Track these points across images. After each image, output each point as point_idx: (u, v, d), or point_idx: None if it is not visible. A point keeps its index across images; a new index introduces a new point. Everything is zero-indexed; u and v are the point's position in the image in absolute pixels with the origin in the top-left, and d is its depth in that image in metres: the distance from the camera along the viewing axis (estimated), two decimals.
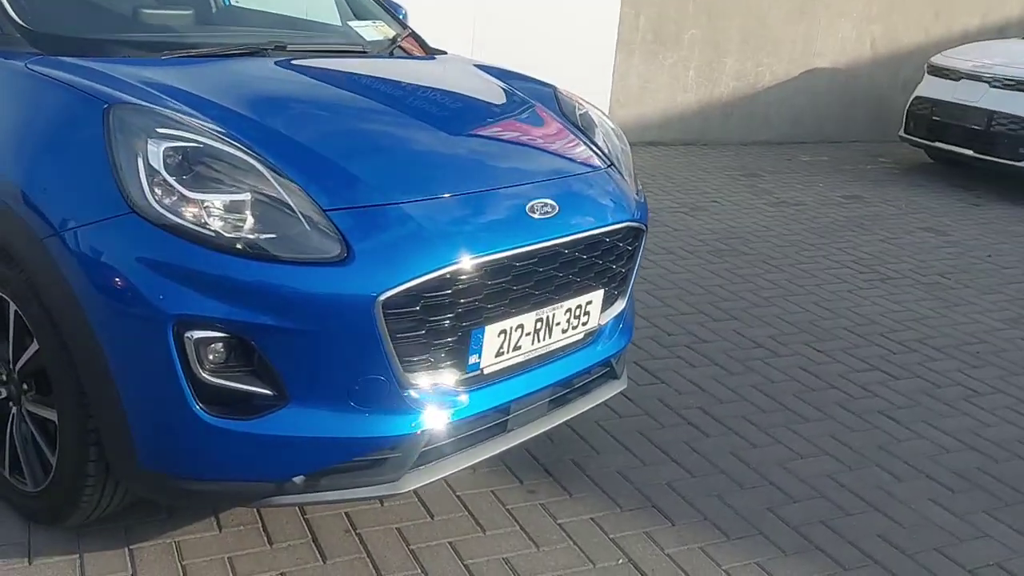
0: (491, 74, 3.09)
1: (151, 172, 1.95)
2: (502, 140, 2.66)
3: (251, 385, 1.98)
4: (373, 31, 3.22)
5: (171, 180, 1.95)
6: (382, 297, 1.97)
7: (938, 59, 7.87)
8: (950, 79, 7.53)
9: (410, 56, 3.17)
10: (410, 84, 2.92)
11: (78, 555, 2.26)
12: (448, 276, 2.06)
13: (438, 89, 2.94)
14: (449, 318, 2.10)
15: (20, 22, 2.43)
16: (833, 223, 6.03)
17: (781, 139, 8.86)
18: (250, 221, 1.96)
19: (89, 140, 2.02)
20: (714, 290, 4.49)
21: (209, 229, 1.93)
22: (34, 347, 2.14)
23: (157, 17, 2.93)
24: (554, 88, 3.09)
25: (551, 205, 2.32)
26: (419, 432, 2.11)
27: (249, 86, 2.50)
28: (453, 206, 2.20)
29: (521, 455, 2.74)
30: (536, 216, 2.28)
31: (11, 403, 2.31)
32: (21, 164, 2.12)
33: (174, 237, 1.91)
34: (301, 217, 1.99)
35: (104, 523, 2.32)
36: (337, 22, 3.40)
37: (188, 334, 1.91)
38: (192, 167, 1.98)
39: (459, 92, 2.93)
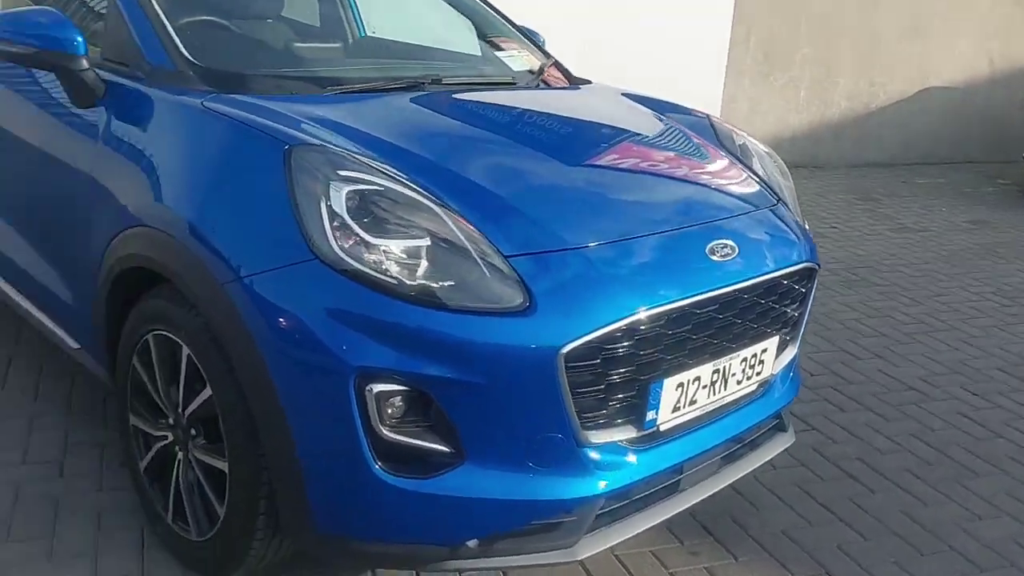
0: (645, 104, 2.98)
1: (333, 216, 1.89)
2: (672, 177, 2.54)
3: (429, 442, 1.89)
4: (519, 60, 3.15)
5: (353, 225, 1.89)
6: (565, 349, 1.87)
7: None
8: None
9: (560, 87, 3.08)
10: (572, 118, 2.82)
11: None
12: (630, 326, 1.95)
13: (599, 123, 2.84)
14: (628, 371, 1.99)
15: (191, 59, 2.42)
16: (963, 250, 5.75)
17: (893, 160, 8.55)
18: (430, 268, 1.88)
19: (270, 183, 1.97)
20: (851, 324, 4.29)
21: (391, 276, 1.85)
22: (206, 393, 2.10)
23: (310, 51, 2.91)
24: (708, 117, 2.96)
25: (731, 246, 2.20)
26: (596, 494, 2.00)
27: (416, 123, 2.44)
28: (634, 250, 2.09)
29: None
30: (717, 258, 2.16)
31: (177, 448, 2.28)
32: (200, 205, 2.09)
33: (356, 285, 1.84)
34: (483, 264, 1.90)
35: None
36: (478, 52, 3.34)
37: (369, 387, 1.83)
38: (373, 211, 1.92)
39: (620, 127, 2.83)
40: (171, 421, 2.29)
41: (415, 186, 2.00)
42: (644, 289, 2.00)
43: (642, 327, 1.97)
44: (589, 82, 3.17)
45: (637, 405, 2.03)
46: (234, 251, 1.97)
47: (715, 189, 2.51)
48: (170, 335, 2.19)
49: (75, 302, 2.62)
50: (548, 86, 3.05)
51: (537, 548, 2.00)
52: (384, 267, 1.86)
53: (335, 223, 1.88)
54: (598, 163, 2.47)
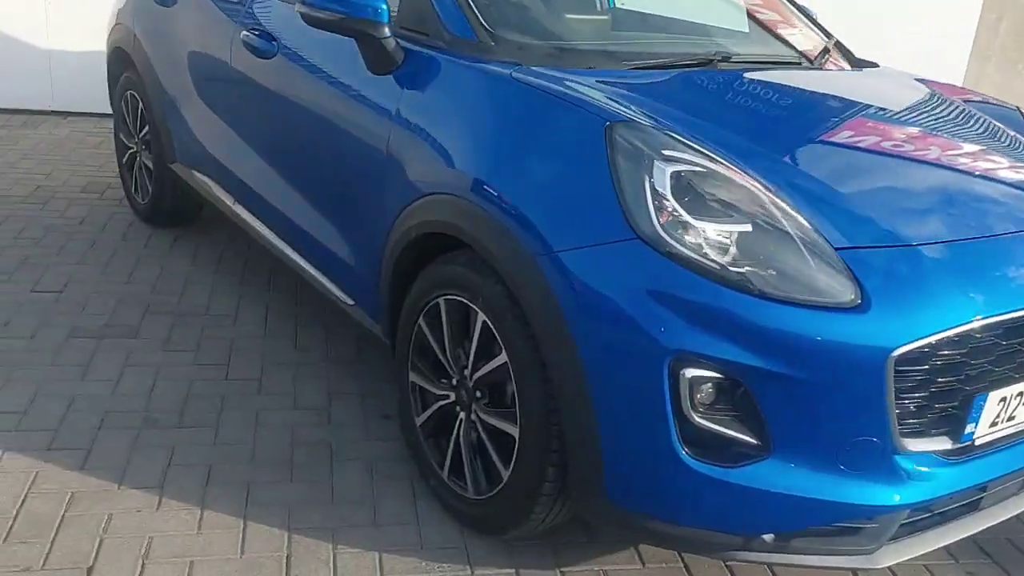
0: (945, 92, 2.80)
1: (657, 197, 1.87)
2: (997, 176, 2.36)
3: (737, 432, 1.85)
4: (799, 38, 3.02)
5: (678, 206, 1.86)
6: (896, 352, 1.78)
7: None
8: None
9: (851, 69, 2.94)
10: (877, 106, 2.69)
11: (513, 570, 2.26)
12: (965, 333, 1.83)
13: (908, 112, 2.69)
14: (955, 380, 1.88)
15: (491, 30, 2.45)
16: None
17: None
18: (754, 255, 1.84)
19: (588, 159, 1.97)
20: None
21: (713, 261, 1.82)
22: (500, 360, 2.14)
23: (589, 25, 2.89)
24: (1018, 109, 2.75)
25: None
26: (905, 504, 1.90)
27: (723, 103, 2.39)
28: (969, 252, 1.97)
29: None
30: None
31: (459, 408, 2.35)
32: (511, 177, 2.12)
33: (679, 267, 1.82)
34: (810, 255, 1.84)
35: (534, 539, 2.31)
36: (746, 28, 3.23)
37: (684, 371, 1.81)
38: (696, 193, 1.89)
39: (931, 117, 2.67)
40: (454, 382, 2.35)
41: (741, 169, 1.94)
42: (982, 295, 1.88)
43: (976, 335, 1.85)
44: (875, 64, 3.01)
45: (957, 416, 1.92)
46: (547, 224, 1.99)
47: None
48: (464, 300, 2.24)
49: (355, 261, 2.73)
50: (840, 69, 2.90)
51: (835, 550, 1.93)
52: (705, 251, 1.83)
53: (658, 203, 1.86)
54: (918, 157, 2.33)
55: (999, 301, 1.89)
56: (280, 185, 3.08)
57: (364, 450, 2.72)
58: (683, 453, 1.85)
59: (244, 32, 3.19)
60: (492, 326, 2.15)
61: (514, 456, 2.15)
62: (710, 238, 1.84)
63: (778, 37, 3.08)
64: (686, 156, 1.93)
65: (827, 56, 2.95)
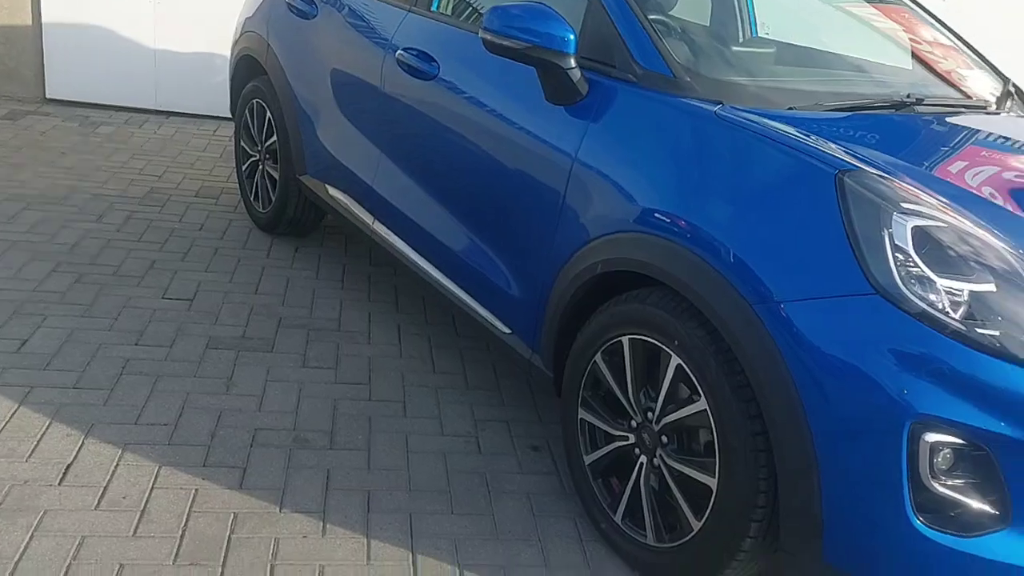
0: None
1: (898, 251, 1.80)
2: None
3: (974, 500, 1.77)
4: (976, 79, 2.93)
5: (920, 262, 1.79)
6: None
7: None
8: None
9: None
10: None
11: None
12: None
13: None
14: None
15: (684, 64, 2.40)
16: None
17: None
18: (998, 315, 1.76)
19: (817, 208, 1.91)
20: None
21: (955, 320, 1.75)
22: (697, 407, 2.08)
23: (767, 60, 2.83)
24: None
25: None
26: None
27: (937, 150, 2.31)
28: None
29: None
30: None
31: (638, 450, 2.29)
32: (724, 221, 2.06)
33: (921, 325, 1.75)
34: None
35: None
36: (910, 65, 3.14)
37: (924, 435, 1.74)
38: (938, 248, 1.81)
39: None
40: (634, 423, 2.30)
41: (981, 225, 1.87)
42: None
43: None
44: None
45: None
46: (768, 272, 1.93)
47: None
48: (655, 341, 2.19)
49: (517, 291, 2.69)
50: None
51: None
52: (947, 309, 1.76)
53: (898, 258, 1.79)
54: None
55: None
56: (432, 208, 3.05)
57: (520, 483, 2.68)
58: (916, 520, 1.77)
59: (400, 51, 3.17)
60: (689, 371, 2.10)
61: (709, 507, 2.08)
62: (954, 297, 1.77)
63: (947, 77, 2.98)
64: (925, 210, 1.87)
65: (1012, 99, 2.86)
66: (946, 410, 1.73)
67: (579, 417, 2.47)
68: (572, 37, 2.44)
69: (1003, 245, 1.84)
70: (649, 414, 2.25)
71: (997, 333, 1.74)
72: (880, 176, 1.95)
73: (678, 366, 2.13)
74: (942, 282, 1.78)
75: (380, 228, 3.39)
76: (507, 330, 2.79)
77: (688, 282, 2.07)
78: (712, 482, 2.07)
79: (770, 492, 1.98)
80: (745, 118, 2.19)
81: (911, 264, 1.79)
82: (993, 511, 1.76)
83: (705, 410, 2.07)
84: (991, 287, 1.78)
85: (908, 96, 2.57)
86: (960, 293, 1.77)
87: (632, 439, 2.31)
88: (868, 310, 1.79)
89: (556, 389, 2.63)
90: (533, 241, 2.60)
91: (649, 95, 2.36)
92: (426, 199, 3.09)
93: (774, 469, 1.96)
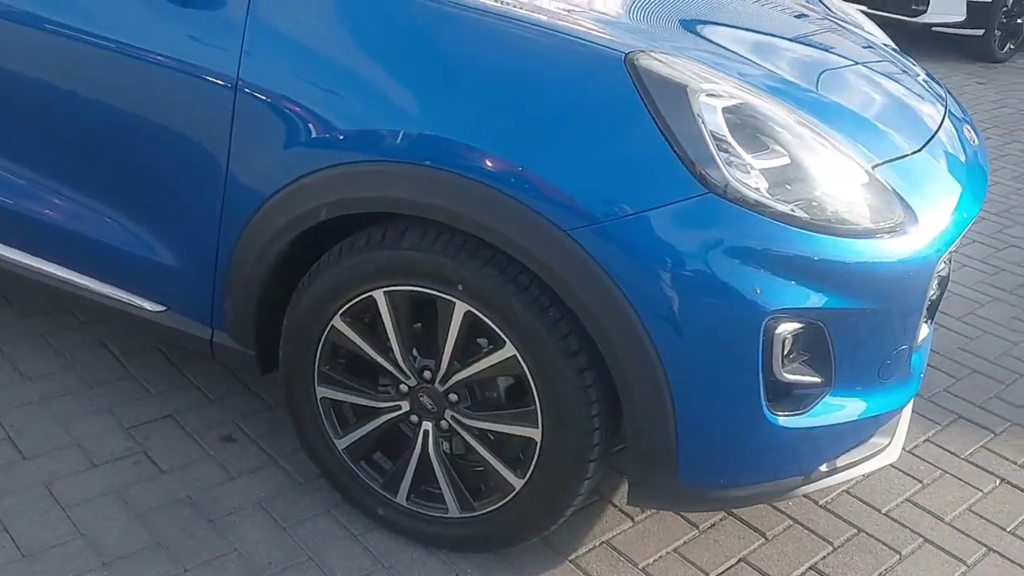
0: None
1: (717, 139, 1.61)
2: (892, 72, 2.37)
3: (807, 375, 1.75)
4: None
5: (738, 148, 1.63)
6: (944, 255, 1.84)
7: None
8: None
9: None
10: (772, 2, 2.57)
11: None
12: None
13: (848, 28, 2.59)
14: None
15: None
16: None
17: None
18: (810, 189, 1.69)
19: (616, 100, 1.63)
20: None
21: (783, 203, 1.64)
22: (503, 354, 1.76)
23: None
24: None
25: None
26: (914, 394, 2.01)
27: (706, 21, 2.13)
28: (941, 152, 2.01)
29: None
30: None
31: (417, 417, 1.91)
32: (507, 135, 1.66)
33: (760, 217, 1.61)
34: (865, 179, 1.75)
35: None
36: None
37: (778, 329, 1.65)
38: (747, 129, 1.66)
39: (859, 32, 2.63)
40: (405, 389, 1.90)
41: (770, 97, 1.75)
42: (976, 189, 1.97)
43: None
44: None
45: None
46: (585, 190, 1.61)
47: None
48: (425, 290, 1.78)
49: (174, 260, 2.03)
50: None
51: (865, 458, 1.97)
52: (773, 194, 1.64)
53: (720, 146, 1.61)
54: (848, 56, 2.29)
55: (979, 194, 2.01)
56: (13, 179, 2.14)
57: (240, 493, 2.12)
58: (769, 413, 1.71)
59: None
60: (485, 317, 1.75)
61: (535, 461, 1.82)
62: (772, 179, 1.65)
63: None
64: (725, 88, 1.68)
65: None
66: (795, 299, 1.65)
67: (319, 397, 1.98)
68: None
69: (796, 116, 1.75)
70: (427, 373, 1.86)
71: (813, 208, 1.67)
72: (668, 54, 1.71)
73: (466, 313, 1.76)
74: (757, 164, 1.65)
75: None
76: (159, 308, 2.11)
77: (474, 216, 1.67)
78: (535, 432, 1.79)
79: (604, 428, 1.77)
80: (483, 2, 1.77)
81: (731, 152, 1.62)
82: (820, 380, 1.76)
83: (514, 356, 1.75)
84: (791, 160, 1.69)
85: None
86: (773, 173, 1.66)
87: (406, 407, 1.91)
88: (704, 212, 1.60)
89: (261, 367, 2.08)
90: (189, 197, 1.95)
91: None
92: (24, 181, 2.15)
93: (605, 404, 1.74)
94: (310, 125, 1.79)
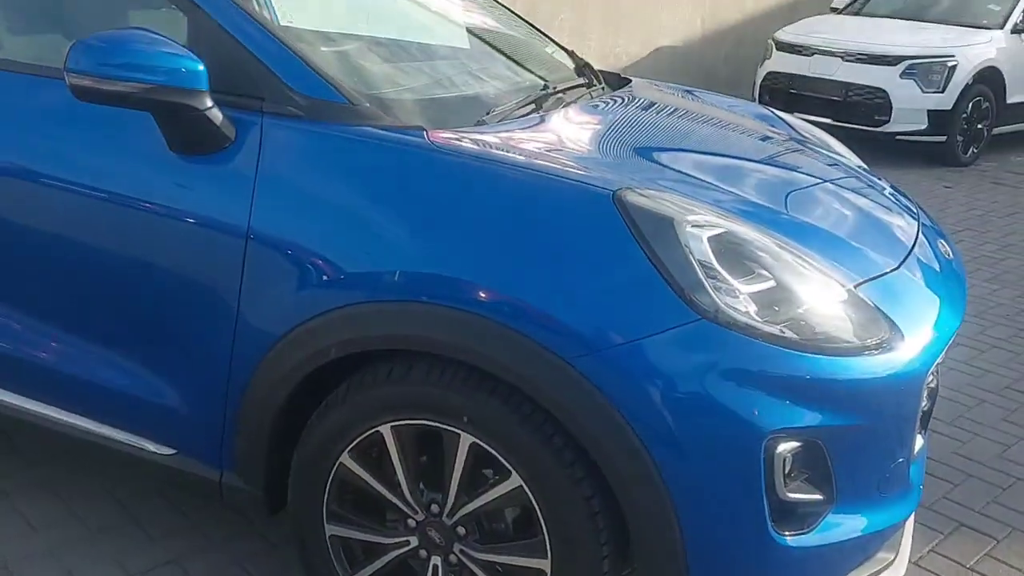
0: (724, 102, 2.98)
1: (704, 267, 1.70)
2: (850, 185, 2.47)
3: (809, 493, 1.79)
4: (563, 58, 2.95)
5: (726, 274, 1.71)
6: (932, 367, 1.91)
7: (784, 36, 8.48)
8: (803, 55, 8.16)
9: (647, 89, 2.92)
10: (724, 123, 2.72)
11: None
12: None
13: (813, 148, 2.71)
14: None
15: (351, 86, 2.00)
16: None
17: None
18: (797, 310, 1.76)
19: (606, 235, 1.72)
20: None
21: (772, 324, 1.72)
22: (508, 486, 1.79)
23: (378, 63, 2.47)
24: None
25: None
26: (915, 506, 2.04)
27: (675, 149, 2.26)
28: (919, 266, 2.10)
29: None
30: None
31: (425, 552, 1.92)
32: (505, 272, 1.74)
33: (751, 340, 1.68)
34: (846, 299, 1.83)
35: None
36: (467, 44, 3.02)
37: (778, 449, 1.70)
38: (731, 255, 1.75)
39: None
40: (413, 524, 1.92)
41: (745, 222, 1.85)
42: (956, 300, 2.05)
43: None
44: (630, 80, 3.04)
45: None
46: (577, 321, 1.69)
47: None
48: (431, 423, 1.83)
49: (185, 403, 2.07)
50: (618, 87, 2.87)
51: (874, 574, 1.99)
52: (762, 316, 1.72)
53: (708, 273, 1.70)
54: (816, 175, 2.39)
55: (958, 310, 2.10)
56: (8, 323, 2.20)
57: None
58: (775, 533, 1.74)
59: None
60: (490, 448, 1.79)
61: None
62: (760, 302, 1.73)
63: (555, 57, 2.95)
64: (705, 217, 1.79)
65: (596, 75, 2.92)
66: (792, 418, 1.70)
67: (328, 535, 2.00)
68: (202, 68, 1.86)
69: (773, 238, 1.85)
70: (434, 507, 1.89)
71: (802, 328, 1.74)
72: (648, 187, 1.83)
73: (472, 445, 1.80)
74: (745, 288, 1.73)
75: None
76: (168, 451, 2.14)
77: (478, 350, 1.74)
78: (544, 563, 1.81)
79: (613, 554, 1.79)
80: (468, 147, 1.89)
81: (719, 278, 1.70)
82: (822, 497, 1.80)
83: (520, 486, 1.79)
84: (776, 283, 1.78)
85: (546, 86, 2.48)
86: (760, 297, 1.74)
87: (415, 542, 1.93)
88: (698, 338, 1.67)
89: (270, 507, 2.10)
90: (199, 342, 2.00)
91: (332, 131, 1.91)
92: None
93: (613, 530, 1.77)
94: (317, 269, 1.86)
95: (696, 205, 1.84)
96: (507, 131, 2.09)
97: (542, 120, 2.25)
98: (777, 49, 8.39)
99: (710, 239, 1.74)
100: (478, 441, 1.80)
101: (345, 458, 1.93)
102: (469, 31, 2.91)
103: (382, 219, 1.84)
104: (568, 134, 2.22)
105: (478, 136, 2.00)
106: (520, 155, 1.90)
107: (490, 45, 2.88)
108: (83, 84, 1.81)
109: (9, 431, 2.64)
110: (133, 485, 2.57)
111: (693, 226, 1.74)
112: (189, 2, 2.02)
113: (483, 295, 1.73)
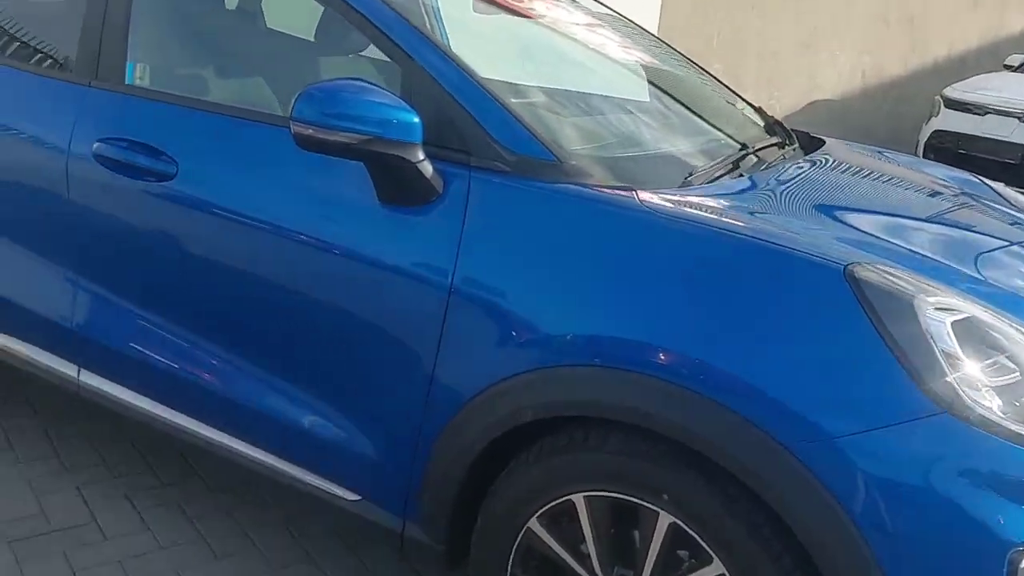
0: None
1: (947, 356, 1.57)
2: None
3: None
4: (751, 114, 2.87)
5: (970, 364, 1.58)
6: None
7: (954, 93, 8.11)
8: (975, 113, 7.76)
9: (845, 148, 2.81)
10: (932, 189, 2.60)
11: None
12: None
13: (974, 203, 2.58)
14: None
15: (559, 143, 1.98)
16: None
17: None
18: None
19: (836, 313, 1.62)
20: None
21: (1018, 423, 1.57)
22: (710, 571, 1.70)
23: (578, 118, 2.45)
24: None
25: None
26: None
27: (852, 210, 2.15)
28: None
29: None
30: None
31: None
32: (726, 346, 1.66)
33: (995, 439, 1.54)
34: None
35: None
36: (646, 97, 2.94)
37: (1022, 564, 1.54)
38: (975, 344, 1.62)
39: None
40: None
41: (988, 306, 1.71)
42: None
43: None
44: (821, 139, 2.93)
45: None
46: (802, 405, 1.59)
47: None
48: (627, 497, 1.75)
49: (374, 450, 2.07)
50: (811, 147, 2.77)
51: None
52: (1006, 412, 1.57)
53: (952, 363, 1.57)
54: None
55: None
56: (205, 354, 2.25)
57: None
58: None
59: (98, 143, 2.29)
60: (691, 531, 1.70)
61: None
62: (1003, 397, 1.59)
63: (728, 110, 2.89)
64: (948, 299, 1.66)
65: (782, 129, 2.83)
66: None
67: None
68: (417, 120, 1.88)
69: (1016, 327, 1.70)
70: None
71: None
72: (884, 263, 1.72)
73: (671, 525, 1.72)
74: (988, 381, 1.59)
75: (96, 382, 2.47)
76: (353, 496, 2.14)
77: (689, 427, 1.66)
78: None
79: None
80: (685, 211, 1.83)
81: (962, 368, 1.57)
82: None
83: (722, 575, 1.69)
84: (1021, 375, 1.63)
85: (744, 146, 2.40)
86: (1004, 389, 1.60)
87: None
88: (938, 433, 1.54)
89: (448, 562, 2.06)
90: (395, 390, 2.00)
91: (541, 188, 1.89)
92: (189, 344, 2.27)
93: None
94: (522, 327, 1.83)
95: (934, 284, 1.71)
96: (717, 194, 2.02)
97: (750, 184, 2.16)
98: (945, 106, 8.04)
99: (953, 324, 1.61)
100: (678, 522, 1.71)
101: (534, 523, 1.88)
102: (653, 82, 2.87)
103: (594, 282, 1.79)
104: (778, 199, 2.13)
105: (691, 199, 1.93)
106: (738, 221, 1.82)
107: (678, 99, 2.82)
108: (306, 133, 1.85)
109: (195, 458, 2.72)
110: (312, 522, 2.59)
111: (936, 308, 1.62)
112: (402, 52, 2.05)
113: (700, 371, 1.65)
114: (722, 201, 1.98)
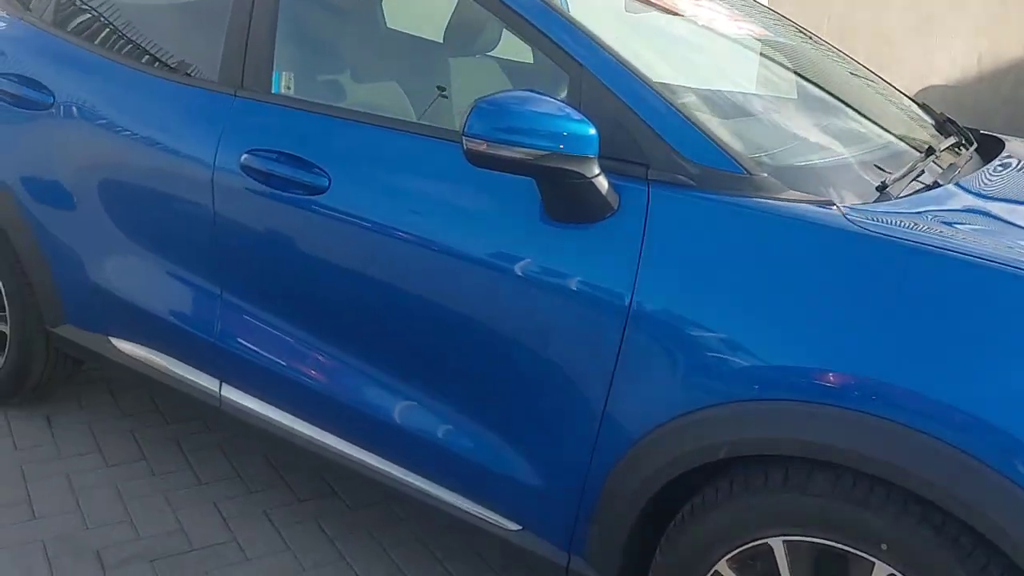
0: None
1: None
2: None
3: None
4: (918, 111, 2.66)
5: None
6: None
7: None
8: None
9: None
10: None
11: None
12: None
13: None
14: None
15: (747, 154, 1.82)
16: None
17: None
18: None
19: None
20: None
21: None
22: None
23: (763, 120, 2.27)
24: None
25: None
26: None
27: None
28: None
29: None
30: None
31: None
32: (961, 383, 1.48)
33: None
34: None
35: None
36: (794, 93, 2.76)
37: None
38: None
39: None
40: None
41: None
42: None
43: None
44: (999, 139, 2.70)
45: None
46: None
47: None
48: (835, 544, 1.59)
49: (539, 479, 1.95)
50: (990, 147, 2.55)
51: None
52: None
53: None
54: None
55: None
56: (357, 374, 2.17)
57: None
58: None
59: (246, 155, 2.21)
60: None
61: None
62: None
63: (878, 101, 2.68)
64: None
65: (955, 127, 2.61)
66: None
67: None
68: (594, 133, 1.74)
69: None
70: None
71: None
72: None
73: None
74: None
75: (238, 396, 2.41)
76: (514, 527, 2.03)
77: (914, 471, 1.49)
78: None
79: None
80: (898, 228, 1.65)
81: None
82: None
83: None
84: None
85: (931, 149, 2.19)
86: None
87: None
88: None
89: None
90: (564, 418, 1.87)
91: (732, 203, 1.73)
92: (339, 361, 2.19)
93: None
94: (713, 355, 1.68)
95: None
96: (923, 208, 1.83)
97: (949, 193, 1.97)
98: None
99: None
100: (897, 573, 1.55)
101: (723, 566, 1.74)
102: (815, 80, 2.68)
103: (795, 306, 1.63)
104: (988, 212, 1.93)
105: (898, 212, 1.75)
106: (960, 240, 1.63)
107: (842, 98, 2.62)
108: (478, 149, 1.73)
109: (333, 476, 2.66)
110: (451, 544, 2.50)
111: None
112: (574, 61, 1.91)
113: (927, 407, 1.48)
114: (933, 216, 1.79)
